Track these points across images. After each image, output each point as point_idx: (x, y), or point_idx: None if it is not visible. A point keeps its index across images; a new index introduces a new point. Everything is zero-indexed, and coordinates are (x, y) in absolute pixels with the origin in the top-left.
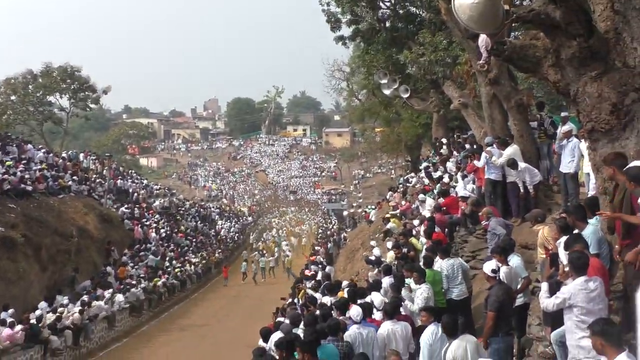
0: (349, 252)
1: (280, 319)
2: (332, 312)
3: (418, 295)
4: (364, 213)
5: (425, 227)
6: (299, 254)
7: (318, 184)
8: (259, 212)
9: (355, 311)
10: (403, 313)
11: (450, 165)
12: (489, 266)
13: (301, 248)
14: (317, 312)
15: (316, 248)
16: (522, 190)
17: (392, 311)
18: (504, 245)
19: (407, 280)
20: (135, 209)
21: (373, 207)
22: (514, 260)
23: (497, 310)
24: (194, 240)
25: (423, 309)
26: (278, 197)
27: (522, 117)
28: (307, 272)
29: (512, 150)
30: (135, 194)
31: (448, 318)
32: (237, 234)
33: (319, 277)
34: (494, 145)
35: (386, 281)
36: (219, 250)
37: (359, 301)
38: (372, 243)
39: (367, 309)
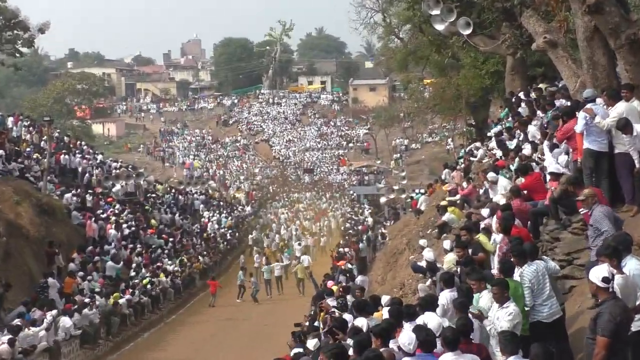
0: (389, 255)
1: (298, 350)
2: (370, 340)
3: (504, 318)
4: (409, 200)
5: (498, 219)
6: (317, 258)
7: (344, 159)
8: (260, 200)
9: (406, 338)
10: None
11: (532, 130)
12: (598, 273)
13: (320, 251)
14: (349, 340)
15: (342, 250)
16: (638, 165)
17: (454, 339)
18: (616, 244)
19: (475, 296)
20: (87, 196)
21: (422, 191)
22: (631, 265)
23: (612, 335)
24: (171, 239)
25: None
26: (287, 178)
27: (637, 59)
28: (330, 285)
29: (623, 107)
30: (87, 175)
31: (539, 349)
32: (230, 231)
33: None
34: (597, 101)
35: (445, 296)
36: (206, 254)
37: (406, 324)
38: (422, 242)
39: (426, 338)
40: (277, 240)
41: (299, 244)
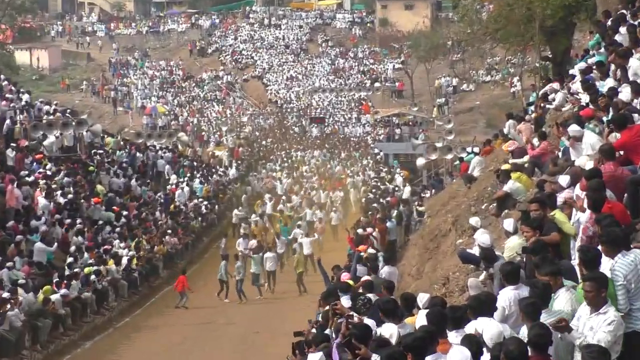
0: (427, 238)
1: None
2: (402, 355)
3: (602, 328)
4: (457, 163)
5: (583, 190)
6: (325, 242)
7: (367, 105)
8: (249, 161)
9: (458, 355)
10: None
11: (635, 66)
12: None
13: (332, 231)
14: (373, 357)
15: (363, 231)
16: None
17: (521, 355)
18: None
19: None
20: (8, 151)
21: (476, 150)
22: None
23: None
24: (124, 213)
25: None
26: (288, 130)
27: None
28: (345, 278)
29: None
30: (8, 123)
31: None
32: (207, 203)
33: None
34: None
35: (507, 296)
36: (173, 234)
37: (451, 334)
38: (475, 221)
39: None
40: (271, 216)
41: (299, 226)
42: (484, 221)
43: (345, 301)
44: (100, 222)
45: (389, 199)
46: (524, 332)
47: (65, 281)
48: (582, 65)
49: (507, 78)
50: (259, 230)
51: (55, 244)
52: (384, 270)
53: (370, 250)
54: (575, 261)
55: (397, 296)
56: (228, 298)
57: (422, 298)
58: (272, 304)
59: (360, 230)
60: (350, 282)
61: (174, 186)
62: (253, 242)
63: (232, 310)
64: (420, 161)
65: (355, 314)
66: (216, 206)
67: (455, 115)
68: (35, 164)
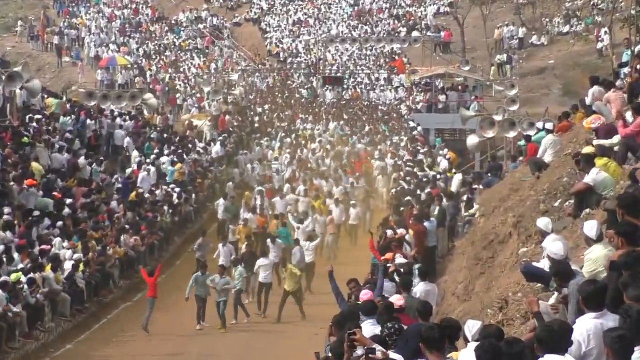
0: (480, 245)
1: None
2: None
3: None
4: (522, 143)
5: None
6: (337, 248)
7: (400, 60)
8: (239, 133)
9: None
10: None
11: None
12: None
13: (349, 233)
14: None
15: (391, 233)
16: None
17: None
18: None
19: None
20: None
21: (548, 126)
22: None
23: None
24: (68, 201)
25: None
26: (293, 93)
27: None
28: (365, 297)
29: None
30: None
31: None
32: (180, 190)
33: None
34: None
35: (585, 326)
36: (132, 231)
37: None
38: (544, 223)
39: None
40: (265, 211)
41: (300, 220)
42: (557, 223)
43: (369, 328)
44: (36, 212)
45: (428, 190)
46: None
47: None
48: None
49: (591, 29)
50: (245, 232)
51: None
52: (419, 288)
53: (400, 260)
54: None
55: (436, 321)
56: (202, 322)
57: (471, 327)
58: (264, 329)
59: (389, 232)
60: (374, 301)
61: (136, 166)
62: (242, 246)
63: (212, 340)
64: (472, 139)
65: (377, 347)
66: (193, 195)
67: (520, 78)
68: None
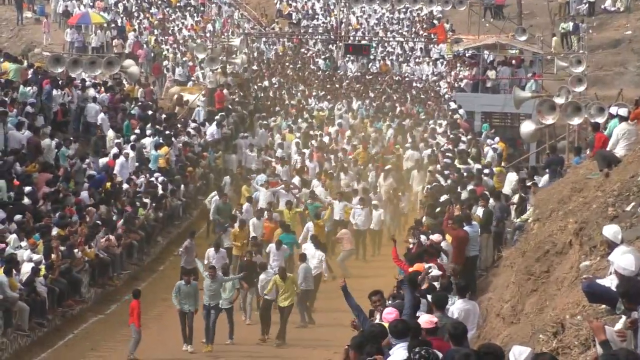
0: (533, 256)
1: None
2: None
3: None
4: (589, 133)
5: None
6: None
7: (442, 27)
8: (241, 112)
9: None
10: None
11: None
12: None
13: (373, 239)
14: None
15: (424, 239)
16: None
17: None
18: None
19: None
20: None
21: (622, 110)
22: None
23: None
24: (27, 191)
25: None
26: (307, 63)
27: None
28: (388, 316)
29: None
30: None
31: None
32: (165, 180)
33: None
34: None
35: None
36: (109, 230)
37: None
38: (611, 232)
39: None
40: (264, 197)
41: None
42: (629, 232)
43: (401, 353)
44: None
45: (471, 187)
46: None
47: None
48: None
49: None
50: (242, 236)
51: None
52: (457, 306)
53: (435, 272)
54: None
55: (477, 347)
56: (190, 346)
57: (518, 354)
58: (268, 357)
59: (422, 238)
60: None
61: (113, 149)
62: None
63: None
64: (528, 126)
65: None
66: (182, 186)
67: (590, 52)
68: None
